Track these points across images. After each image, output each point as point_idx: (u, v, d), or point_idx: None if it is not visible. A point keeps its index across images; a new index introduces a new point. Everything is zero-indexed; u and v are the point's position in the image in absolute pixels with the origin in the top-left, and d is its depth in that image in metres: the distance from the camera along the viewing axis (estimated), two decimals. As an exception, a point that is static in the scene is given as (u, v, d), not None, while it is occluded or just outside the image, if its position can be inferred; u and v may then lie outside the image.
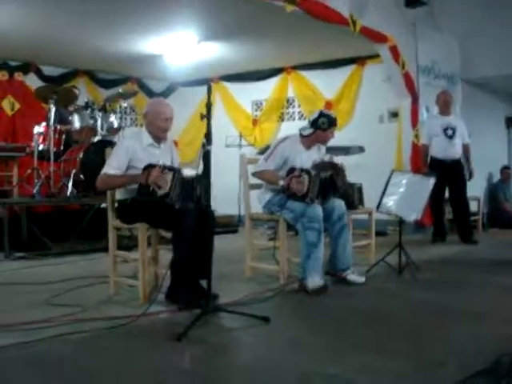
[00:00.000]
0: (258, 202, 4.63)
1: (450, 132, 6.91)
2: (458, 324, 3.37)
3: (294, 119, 9.93)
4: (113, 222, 4.10)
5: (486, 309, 3.73)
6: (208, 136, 3.24)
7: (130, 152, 3.92)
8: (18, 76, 8.75)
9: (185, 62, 8.79)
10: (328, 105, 9.10)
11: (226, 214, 8.67)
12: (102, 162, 4.14)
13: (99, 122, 6.98)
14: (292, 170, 4.31)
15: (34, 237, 6.17)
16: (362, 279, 4.49)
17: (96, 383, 2.44)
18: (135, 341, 3.06)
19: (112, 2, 6.26)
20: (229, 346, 3.07)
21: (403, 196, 4.87)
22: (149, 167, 3.72)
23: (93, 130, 6.96)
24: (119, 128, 7.30)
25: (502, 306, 3.85)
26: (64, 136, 7.03)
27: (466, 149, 7.08)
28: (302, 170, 4.25)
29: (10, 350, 2.84)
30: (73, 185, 6.62)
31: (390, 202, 4.89)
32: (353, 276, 4.48)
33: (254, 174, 4.55)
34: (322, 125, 4.45)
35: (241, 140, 9.59)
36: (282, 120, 10.06)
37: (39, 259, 5.73)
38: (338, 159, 5.62)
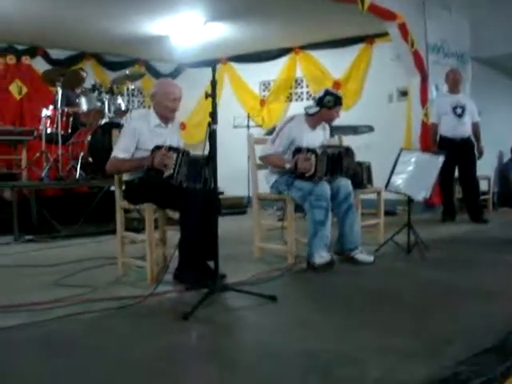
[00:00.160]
0: (265, 182, 4.61)
1: (459, 110, 6.84)
2: (467, 303, 3.35)
3: (302, 99, 9.87)
4: (120, 202, 4.10)
5: (496, 287, 3.70)
6: (213, 115, 3.22)
7: (138, 133, 3.92)
8: (26, 60, 8.76)
9: (192, 43, 8.74)
10: (336, 84, 9.05)
11: (235, 196, 8.69)
12: (110, 145, 4.15)
13: (106, 105, 6.97)
14: (298, 150, 4.29)
15: (44, 220, 6.19)
16: (371, 258, 4.48)
17: (105, 362, 2.45)
18: (143, 320, 3.07)
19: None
20: (236, 324, 3.08)
21: (412, 174, 4.84)
22: (155, 150, 3.73)
23: (100, 113, 6.95)
24: (126, 110, 7.29)
25: (511, 285, 3.82)
26: (72, 119, 7.03)
27: (475, 127, 7.01)
28: (308, 149, 4.23)
29: (20, 330, 2.87)
30: (81, 167, 6.63)
31: (398, 180, 4.85)
32: (361, 255, 4.47)
33: (261, 159, 4.54)
34: (328, 103, 4.41)
35: (249, 121, 9.54)
36: (290, 100, 10.01)
37: (48, 242, 5.76)
38: (347, 139, 5.62)
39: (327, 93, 4.47)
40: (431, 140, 7.04)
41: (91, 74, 8.64)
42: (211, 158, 3.32)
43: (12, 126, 7.79)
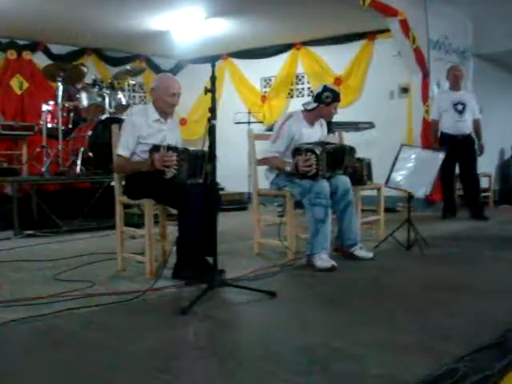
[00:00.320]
0: (265, 178, 4.61)
1: (459, 107, 6.83)
2: (466, 299, 3.34)
3: (303, 95, 9.84)
4: (119, 197, 4.10)
5: (496, 285, 3.70)
6: (213, 110, 3.22)
7: (137, 129, 3.93)
8: (27, 55, 8.74)
9: (193, 39, 8.72)
10: (338, 80, 9.03)
11: (236, 192, 8.69)
12: (110, 140, 4.15)
13: (107, 100, 6.98)
14: (297, 150, 4.27)
15: (44, 214, 6.20)
16: (370, 254, 4.48)
17: (103, 356, 2.45)
18: (142, 315, 3.08)
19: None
20: (235, 320, 3.08)
21: (412, 171, 4.83)
22: (153, 150, 3.72)
23: (101, 108, 6.95)
24: (127, 105, 7.30)
25: (511, 282, 3.82)
26: (72, 114, 7.03)
27: (476, 124, 7.00)
28: (307, 150, 4.21)
29: (19, 323, 2.87)
30: (82, 162, 6.63)
31: (398, 176, 4.85)
32: (360, 251, 4.47)
33: (262, 161, 4.54)
34: (326, 99, 4.40)
35: (250, 117, 9.53)
36: (291, 96, 9.99)
37: (49, 236, 5.78)
38: (348, 136, 5.62)
39: (326, 89, 4.46)
40: (432, 137, 7.03)
41: (92, 70, 8.63)
42: (211, 154, 3.31)
43: (13, 121, 7.79)
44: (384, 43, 8.46)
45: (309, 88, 9.75)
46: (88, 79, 7.38)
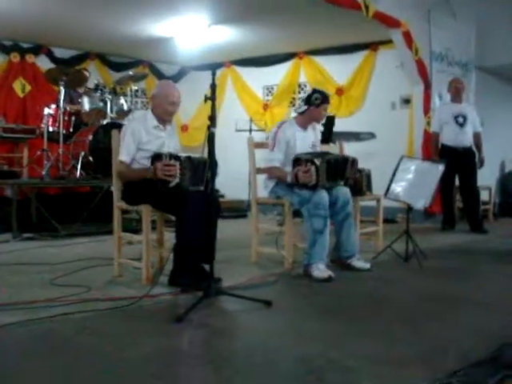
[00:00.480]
0: (263, 187, 4.61)
1: (460, 120, 6.84)
2: (462, 313, 3.34)
3: (305, 105, 9.83)
4: (117, 203, 4.10)
5: (493, 298, 3.69)
6: (212, 118, 3.22)
7: (137, 135, 3.94)
8: (30, 58, 8.76)
9: (196, 46, 8.74)
10: (340, 90, 9.06)
11: (236, 199, 8.68)
12: (111, 145, 4.15)
13: (109, 105, 6.98)
14: (297, 160, 4.28)
15: (43, 218, 6.19)
16: (367, 265, 4.46)
17: (98, 362, 2.44)
18: (137, 322, 3.07)
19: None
20: (230, 328, 3.07)
21: (412, 182, 4.83)
22: (155, 159, 3.72)
23: (102, 113, 6.96)
24: (129, 111, 7.30)
25: (508, 296, 3.81)
26: (74, 118, 7.04)
27: (477, 137, 7.00)
28: (307, 160, 4.21)
29: (13, 327, 2.86)
30: (82, 167, 6.64)
31: (398, 188, 4.84)
32: (358, 262, 4.46)
33: (263, 171, 4.55)
34: (315, 100, 4.45)
35: (251, 125, 9.54)
36: (293, 105, 9.97)
37: (47, 240, 5.78)
38: (349, 146, 5.62)
39: (314, 91, 4.55)
40: (433, 149, 7.03)
41: (95, 74, 8.65)
42: (210, 162, 3.32)
43: (14, 123, 7.80)
44: (386, 54, 8.49)
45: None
46: (90, 84, 7.40)
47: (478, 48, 8.22)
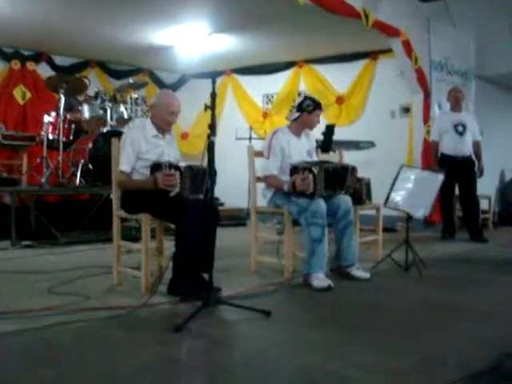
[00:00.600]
0: (262, 196, 4.61)
1: (460, 128, 6.84)
2: (462, 323, 3.32)
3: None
4: (117, 211, 4.09)
5: (493, 308, 3.68)
6: (212, 127, 3.22)
7: (136, 145, 3.93)
8: (30, 65, 8.79)
9: (196, 54, 8.77)
10: (339, 99, 9.08)
11: (235, 207, 8.67)
12: (111, 153, 4.14)
13: (109, 113, 6.98)
14: (295, 168, 4.27)
15: (42, 226, 6.18)
16: (367, 275, 4.45)
17: (93, 372, 2.43)
18: (135, 331, 3.05)
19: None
20: (229, 338, 3.05)
21: (411, 192, 4.82)
22: (155, 169, 3.71)
23: (102, 120, 6.96)
24: (129, 118, 7.31)
25: (508, 305, 3.80)
26: (73, 126, 7.05)
27: (476, 146, 7.00)
28: (304, 168, 4.21)
29: (10, 336, 2.85)
30: (81, 174, 6.63)
31: (397, 197, 4.83)
32: (357, 271, 4.44)
33: (260, 180, 4.56)
34: (307, 107, 4.47)
35: (251, 133, 9.54)
36: (293, 114, 9.99)
37: (46, 248, 5.77)
38: (349, 154, 5.62)
39: (306, 98, 4.58)
40: (432, 158, 7.03)
41: (95, 82, 8.66)
42: (210, 171, 3.31)
43: (14, 131, 7.81)
44: (386, 63, 8.50)
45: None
46: (91, 91, 7.40)
47: (477, 57, 8.22)
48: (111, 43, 8.37)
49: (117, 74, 9.76)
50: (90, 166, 6.63)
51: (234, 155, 8.33)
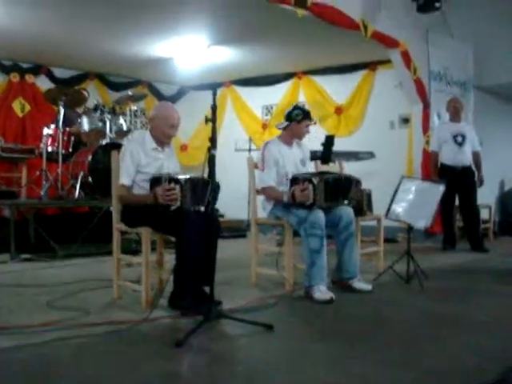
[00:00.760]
0: (262, 208, 4.59)
1: (459, 139, 6.85)
2: (463, 335, 3.29)
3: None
4: (117, 225, 4.06)
5: (493, 319, 3.66)
6: (213, 140, 3.20)
7: (136, 157, 3.90)
8: (29, 78, 8.79)
9: (195, 66, 8.78)
10: (339, 110, 9.08)
11: (235, 219, 8.65)
12: (110, 165, 4.12)
13: (108, 125, 6.97)
14: (295, 179, 4.26)
15: (41, 239, 6.15)
16: (369, 287, 4.42)
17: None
18: (135, 346, 3.02)
19: (123, 7, 6.26)
20: (230, 353, 3.02)
21: (412, 203, 4.81)
22: (154, 183, 3.69)
23: (101, 133, 6.95)
24: (128, 131, 7.29)
25: (509, 317, 3.78)
26: (73, 138, 7.04)
27: (475, 156, 7.01)
28: (304, 179, 4.19)
29: (9, 352, 2.82)
30: (81, 187, 6.61)
31: (398, 208, 4.82)
32: (359, 284, 4.41)
33: (260, 192, 4.55)
34: (296, 117, 4.47)
35: (250, 144, 9.54)
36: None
37: (45, 261, 5.73)
38: (348, 165, 5.61)
39: (295, 107, 4.58)
40: (432, 168, 7.03)
41: (94, 94, 8.66)
42: (212, 185, 3.30)
43: (13, 143, 7.80)
44: (385, 74, 8.52)
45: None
46: (90, 104, 7.40)
47: (476, 67, 8.25)
48: (110, 55, 8.38)
49: (116, 86, 9.77)
50: (90, 179, 6.61)
51: (234, 166, 8.31)
